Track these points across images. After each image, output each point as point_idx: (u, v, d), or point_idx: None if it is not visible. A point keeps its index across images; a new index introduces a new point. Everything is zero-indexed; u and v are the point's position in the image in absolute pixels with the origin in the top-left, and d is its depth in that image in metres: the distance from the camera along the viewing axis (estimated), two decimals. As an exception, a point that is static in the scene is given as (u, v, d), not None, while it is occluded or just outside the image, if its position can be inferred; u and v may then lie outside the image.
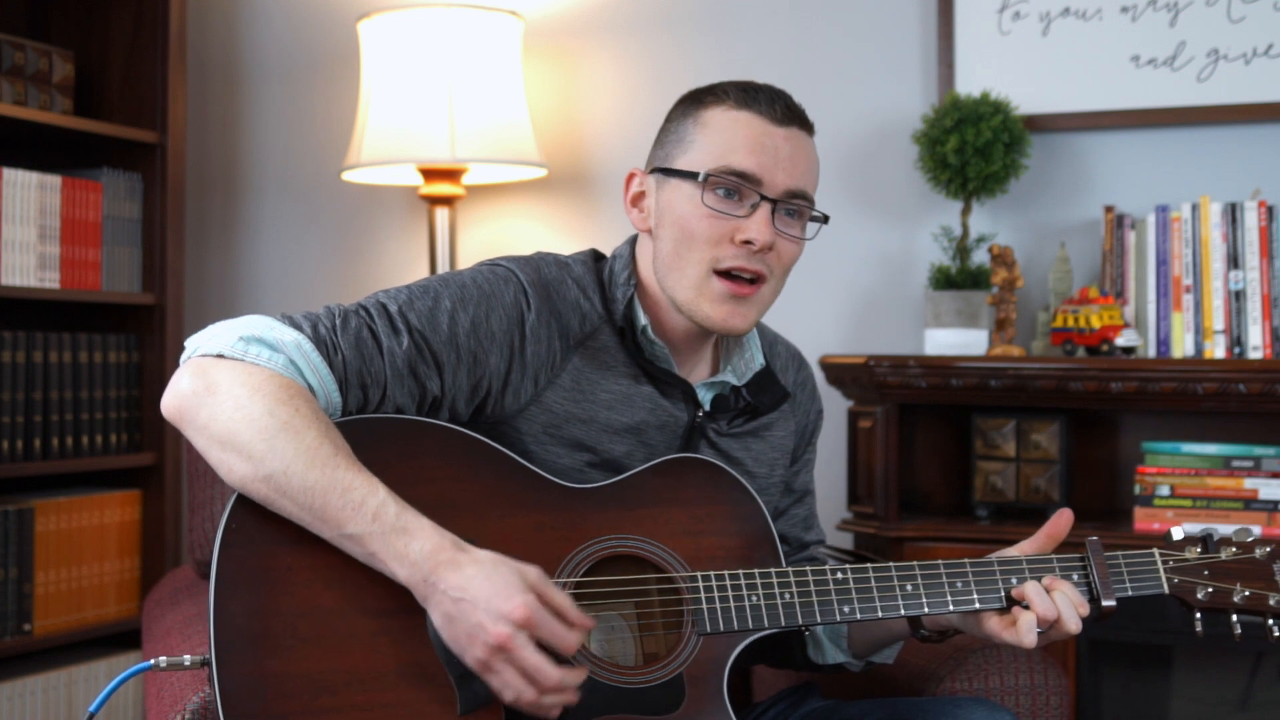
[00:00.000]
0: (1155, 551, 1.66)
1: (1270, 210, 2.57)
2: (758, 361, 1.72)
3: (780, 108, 1.61)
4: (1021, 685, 1.84)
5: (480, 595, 1.37)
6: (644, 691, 1.50)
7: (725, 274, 1.60)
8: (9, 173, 2.88)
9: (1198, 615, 1.65)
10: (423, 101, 2.93)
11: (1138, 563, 1.65)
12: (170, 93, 3.16)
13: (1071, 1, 2.82)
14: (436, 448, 1.52)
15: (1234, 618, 1.65)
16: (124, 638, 3.10)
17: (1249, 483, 2.47)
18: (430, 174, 3.02)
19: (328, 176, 3.39)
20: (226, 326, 1.50)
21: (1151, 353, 2.62)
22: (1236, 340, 2.57)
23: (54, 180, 2.98)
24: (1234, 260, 2.58)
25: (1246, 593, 1.64)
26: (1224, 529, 2.45)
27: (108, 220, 3.10)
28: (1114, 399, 2.51)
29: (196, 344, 1.50)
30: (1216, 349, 2.57)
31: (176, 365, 1.53)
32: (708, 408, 1.69)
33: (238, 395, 1.43)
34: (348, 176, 3.13)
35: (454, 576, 1.38)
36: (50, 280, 2.97)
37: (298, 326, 1.50)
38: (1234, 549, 1.67)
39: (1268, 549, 1.66)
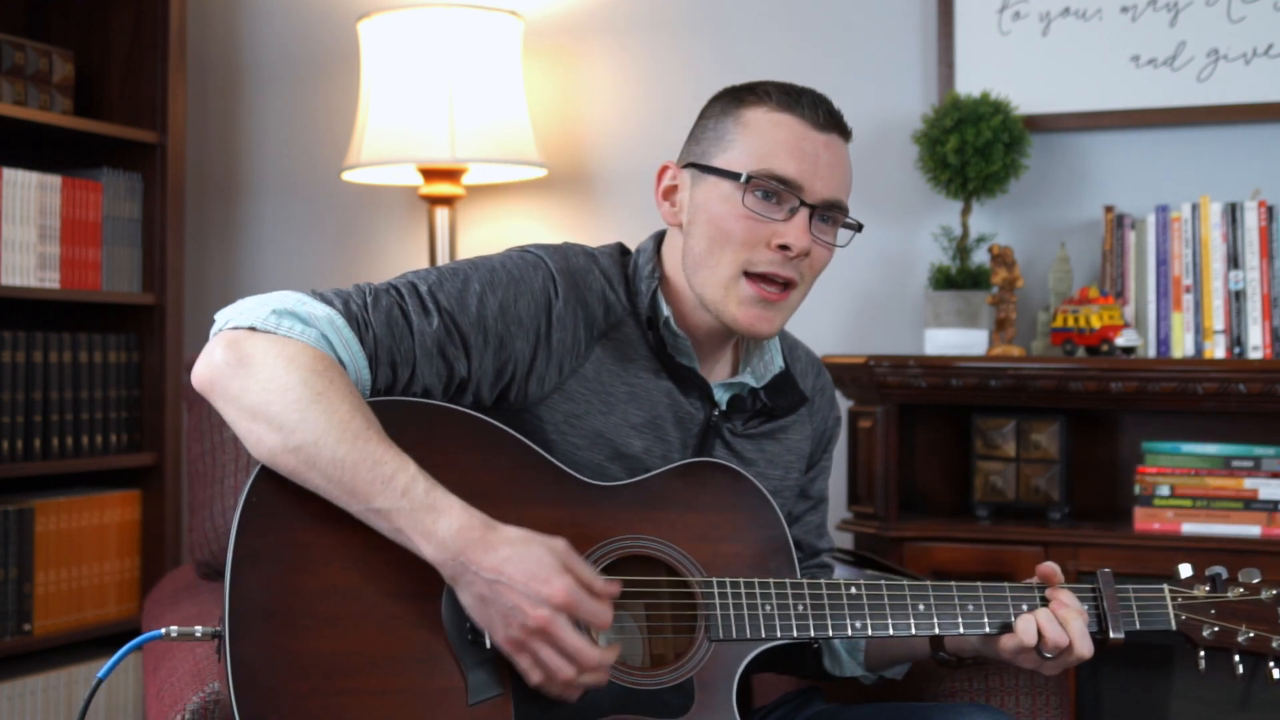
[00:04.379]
0: (1165, 587, 1.68)
1: (1270, 210, 2.57)
2: (777, 364, 1.72)
3: (823, 113, 1.61)
4: (1021, 685, 1.84)
5: (517, 577, 1.37)
6: (654, 694, 1.50)
7: (756, 277, 1.59)
8: (9, 173, 2.88)
9: (1201, 653, 1.67)
10: (423, 101, 2.93)
11: (1147, 598, 1.66)
12: (170, 93, 3.16)
13: (1071, 1, 2.82)
14: (461, 434, 1.52)
15: (1235, 658, 1.67)
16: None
17: (1249, 483, 2.47)
18: (430, 174, 3.02)
19: (328, 176, 3.39)
20: (258, 300, 1.49)
21: (1151, 353, 2.62)
22: (1236, 340, 2.57)
23: (54, 180, 2.98)
24: (1234, 260, 2.58)
25: (1251, 634, 1.66)
26: (1223, 529, 2.45)
27: (108, 220, 3.10)
28: (1114, 399, 2.51)
29: (228, 317, 1.48)
30: (1216, 349, 2.57)
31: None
32: (724, 407, 1.69)
33: (271, 367, 1.42)
34: (348, 176, 3.13)
35: (487, 558, 1.37)
36: (50, 280, 2.97)
37: (329, 302, 1.49)
38: (1241, 589, 1.69)
39: (1274, 592, 1.68)
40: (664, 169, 1.68)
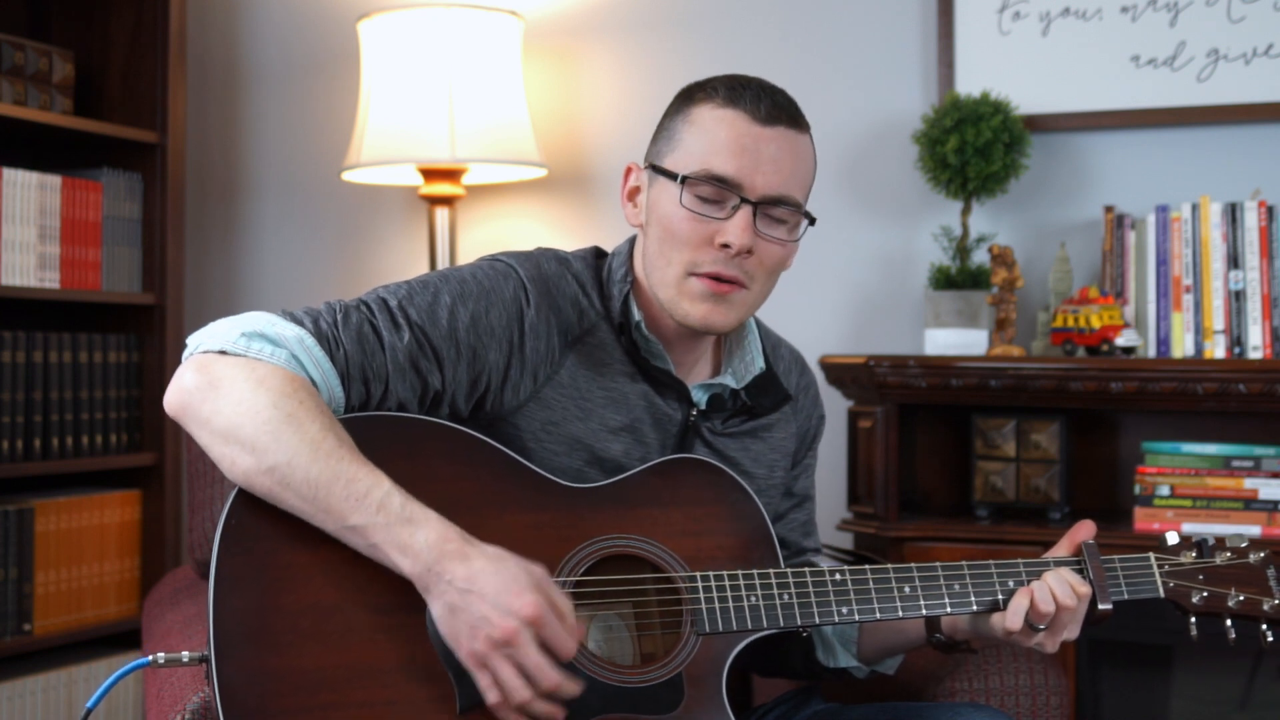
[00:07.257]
0: (1151, 555, 1.67)
1: (1270, 210, 2.57)
2: (758, 365, 1.71)
3: (766, 106, 1.58)
4: (1021, 685, 1.84)
5: (489, 588, 1.36)
6: (643, 691, 1.50)
7: (703, 275, 1.58)
8: (9, 173, 2.88)
9: (1193, 619, 1.66)
10: (423, 101, 2.93)
11: (1134, 567, 1.65)
12: (170, 93, 3.16)
13: (1071, 1, 2.82)
14: (438, 447, 1.52)
15: (1228, 622, 1.66)
16: (124, 638, 3.10)
17: (1249, 483, 2.47)
18: (430, 174, 3.02)
19: (328, 176, 3.39)
20: (229, 323, 1.49)
21: (1151, 353, 2.62)
22: (1236, 340, 2.57)
23: (54, 180, 2.98)
24: (1234, 260, 2.58)
25: (1241, 597, 1.65)
26: (1223, 529, 2.45)
27: (108, 220, 3.10)
28: (1114, 399, 2.51)
29: (199, 341, 1.49)
30: (1216, 349, 2.57)
31: (177, 365, 1.53)
32: (702, 406, 1.69)
33: (241, 390, 1.43)
34: (348, 176, 3.13)
35: (461, 568, 1.37)
36: (50, 280, 2.97)
37: (299, 322, 1.50)
38: (1228, 554, 1.67)
39: (1261, 554, 1.67)
40: (628, 170, 1.68)
